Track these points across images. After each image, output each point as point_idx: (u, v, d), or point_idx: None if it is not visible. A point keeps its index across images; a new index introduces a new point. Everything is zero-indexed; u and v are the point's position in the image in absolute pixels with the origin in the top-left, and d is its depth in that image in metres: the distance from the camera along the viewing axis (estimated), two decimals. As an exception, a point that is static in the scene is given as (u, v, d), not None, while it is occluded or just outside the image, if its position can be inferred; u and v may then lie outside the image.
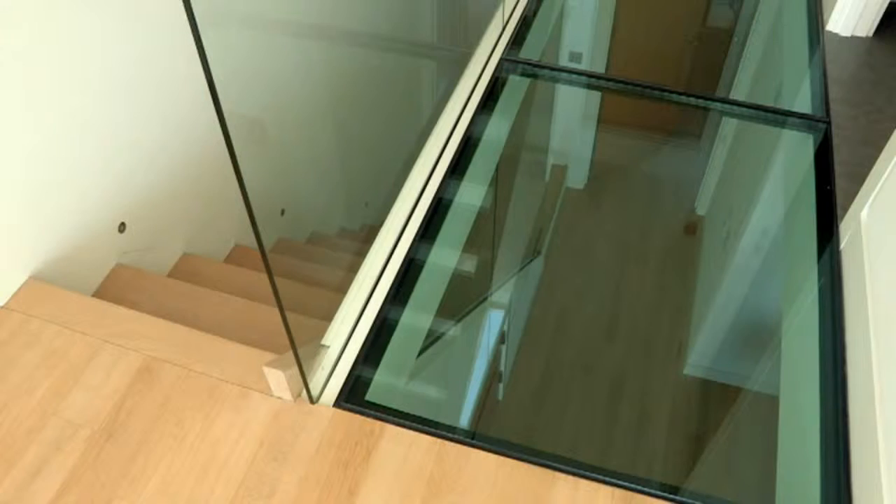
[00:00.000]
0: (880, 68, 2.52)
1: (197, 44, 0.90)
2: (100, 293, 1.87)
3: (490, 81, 2.35)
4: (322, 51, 2.94)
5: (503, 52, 2.50)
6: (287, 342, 1.32)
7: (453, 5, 4.22)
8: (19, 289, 1.62)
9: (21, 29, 1.48)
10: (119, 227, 1.93)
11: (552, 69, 2.96)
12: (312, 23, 2.79)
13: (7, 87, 1.48)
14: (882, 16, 2.60)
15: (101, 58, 1.73)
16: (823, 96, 2.37)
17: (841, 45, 2.61)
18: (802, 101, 2.44)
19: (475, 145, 2.18)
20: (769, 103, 2.62)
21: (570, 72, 3.12)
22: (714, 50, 4.75)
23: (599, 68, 4.19)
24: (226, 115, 0.98)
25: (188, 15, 0.87)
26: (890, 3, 2.58)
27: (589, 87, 3.26)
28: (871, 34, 2.64)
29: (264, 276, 1.22)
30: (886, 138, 1.67)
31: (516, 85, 2.56)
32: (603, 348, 3.92)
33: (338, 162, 3.23)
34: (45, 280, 1.68)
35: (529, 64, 2.60)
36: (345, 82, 3.12)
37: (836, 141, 2.19)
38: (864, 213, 1.68)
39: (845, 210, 1.85)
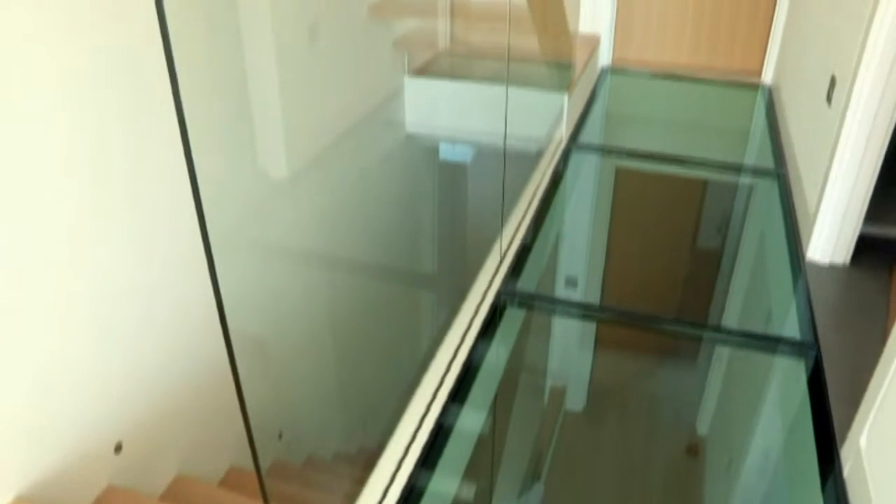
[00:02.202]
0: (860, 294, 2.62)
1: (210, 269, 0.96)
2: (91, 520, 1.83)
3: (489, 311, 2.45)
4: (326, 276, 3.07)
5: (501, 282, 2.61)
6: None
7: (452, 237, 4.44)
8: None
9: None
10: (115, 447, 1.92)
11: (549, 300, 3.07)
12: (318, 250, 2.94)
13: (6, 313, 1.55)
14: (855, 245, 2.76)
15: (114, 287, 1.82)
16: (811, 322, 2.45)
17: (822, 273, 2.74)
18: (791, 327, 2.52)
19: (475, 372, 2.22)
20: (760, 328, 2.69)
21: (566, 303, 3.24)
22: (705, 272, 4.93)
23: (595, 291, 4.33)
24: (232, 336, 1.02)
25: (203, 239, 0.94)
26: (861, 233, 2.74)
27: (584, 317, 3.36)
28: (847, 262, 2.78)
29: (263, 507, 1.21)
30: (874, 362, 1.72)
31: (514, 314, 2.66)
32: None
33: (337, 384, 3.26)
34: (33, 500, 1.65)
35: (527, 294, 2.72)
36: (346, 307, 3.22)
37: (827, 366, 2.23)
38: (862, 441, 1.69)
39: (844, 436, 1.86)
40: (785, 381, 2.49)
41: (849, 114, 2.57)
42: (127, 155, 1.83)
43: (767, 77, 4.65)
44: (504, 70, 2.98)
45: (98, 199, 1.75)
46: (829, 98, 2.84)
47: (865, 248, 2.80)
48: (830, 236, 2.75)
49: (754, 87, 4.68)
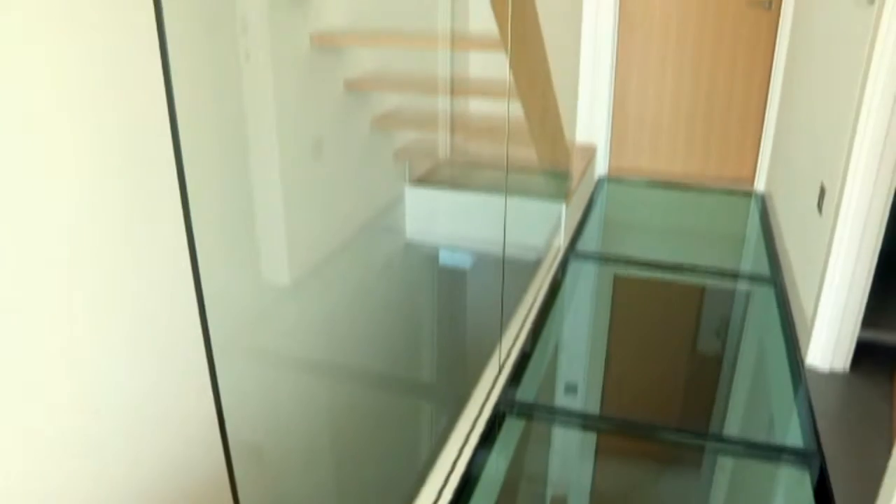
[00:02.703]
0: (862, 401, 2.61)
1: (212, 377, 0.97)
2: None
3: (488, 421, 2.44)
4: (324, 382, 3.06)
5: (501, 391, 2.61)
6: None
7: (451, 345, 4.45)
8: None
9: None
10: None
11: (548, 410, 3.06)
12: (317, 357, 2.94)
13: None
14: (854, 350, 2.76)
15: (104, 395, 1.82)
16: (814, 430, 2.43)
17: (822, 379, 2.74)
18: (794, 436, 2.50)
19: (474, 483, 2.19)
20: (762, 437, 2.67)
21: (566, 413, 3.23)
22: (705, 379, 4.89)
23: (595, 399, 4.29)
24: (230, 444, 1.03)
25: (206, 346, 0.96)
26: (860, 339, 2.75)
27: (585, 427, 3.35)
28: (847, 368, 2.78)
29: None
30: (881, 471, 1.70)
31: (514, 424, 2.64)
32: None
33: (335, 493, 3.19)
34: None
35: (526, 404, 2.71)
36: (345, 414, 3.19)
37: (832, 476, 2.20)
38: (871, 555, 1.66)
39: (852, 550, 1.82)
40: (790, 491, 2.45)
41: (839, 222, 2.63)
42: (130, 264, 1.87)
43: (760, 184, 4.76)
44: (503, 180, 3.07)
45: (97, 304, 1.78)
46: (819, 207, 2.91)
47: (865, 353, 2.81)
48: (829, 343, 2.76)
49: (748, 194, 4.79)
